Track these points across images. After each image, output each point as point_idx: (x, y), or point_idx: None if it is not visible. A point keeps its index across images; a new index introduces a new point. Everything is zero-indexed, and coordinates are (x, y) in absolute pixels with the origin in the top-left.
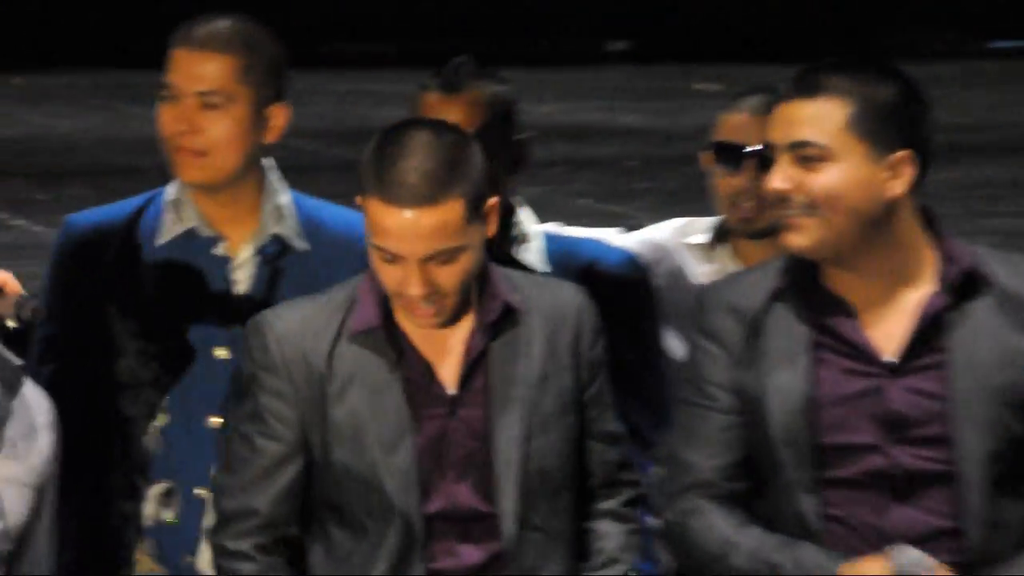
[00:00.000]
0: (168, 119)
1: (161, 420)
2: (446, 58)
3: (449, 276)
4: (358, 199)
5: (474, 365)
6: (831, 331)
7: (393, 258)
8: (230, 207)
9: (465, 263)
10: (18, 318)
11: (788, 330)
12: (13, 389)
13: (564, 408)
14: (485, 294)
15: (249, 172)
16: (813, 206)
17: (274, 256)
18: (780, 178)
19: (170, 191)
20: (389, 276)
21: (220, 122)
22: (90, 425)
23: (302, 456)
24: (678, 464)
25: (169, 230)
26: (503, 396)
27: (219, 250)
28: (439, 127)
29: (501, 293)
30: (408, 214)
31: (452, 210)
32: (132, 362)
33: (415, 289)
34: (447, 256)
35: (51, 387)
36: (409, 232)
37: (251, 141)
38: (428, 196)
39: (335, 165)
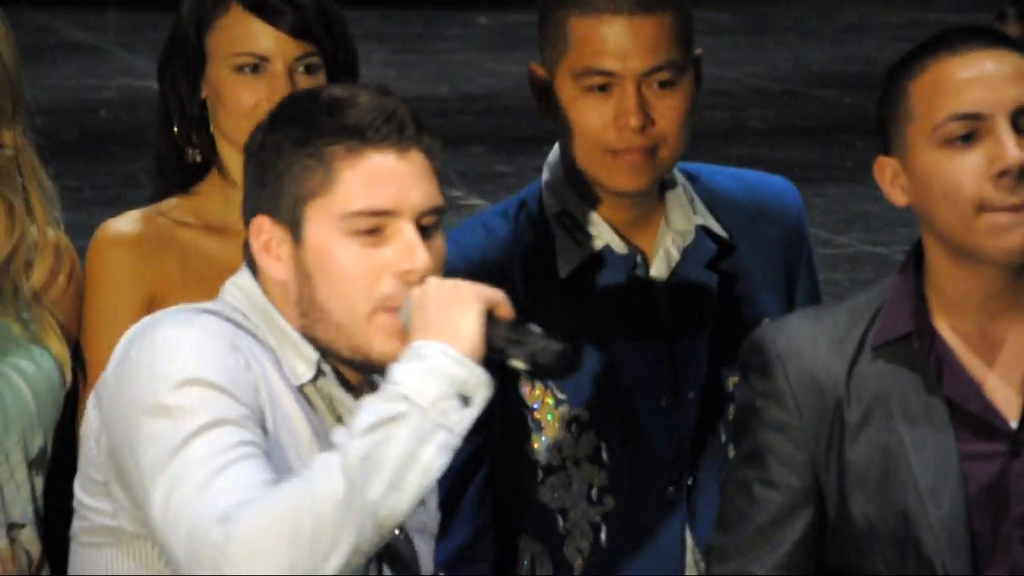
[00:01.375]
0: (601, 113)
1: (607, 505)
2: None
3: None
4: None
5: None
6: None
7: None
8: (637, 207)
9: None
10: (534, 362)
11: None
12: None
13: None
14: None
15: None
16: None
17: (715, 256)
18: None
19: (549, 201)
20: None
21: (672, 103)
22: (504, 519)
23: (812, 508)
24: None
25: (571, 256)
26: None
27: (639, 268)
28: None
29: None
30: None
31: None
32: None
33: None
34: None
35: (460, 471)
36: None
37: (692, 116)
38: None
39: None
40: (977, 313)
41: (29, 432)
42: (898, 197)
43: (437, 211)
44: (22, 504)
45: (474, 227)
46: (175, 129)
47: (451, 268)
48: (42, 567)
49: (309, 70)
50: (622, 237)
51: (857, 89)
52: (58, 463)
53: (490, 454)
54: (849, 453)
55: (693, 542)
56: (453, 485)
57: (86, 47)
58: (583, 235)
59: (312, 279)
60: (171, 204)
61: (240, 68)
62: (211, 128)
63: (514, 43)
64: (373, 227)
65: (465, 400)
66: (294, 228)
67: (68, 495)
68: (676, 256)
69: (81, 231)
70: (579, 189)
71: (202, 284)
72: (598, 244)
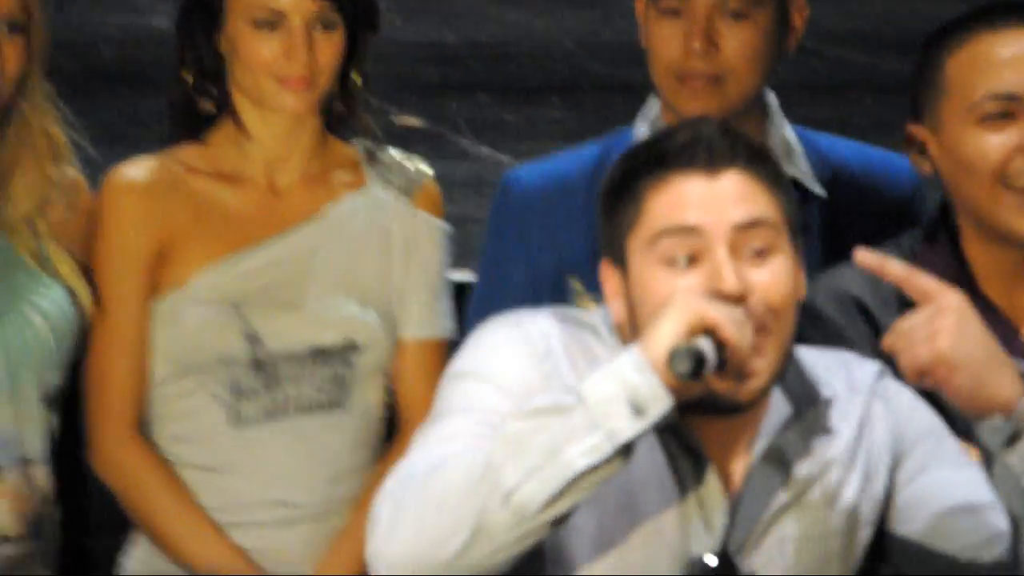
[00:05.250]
0: (674, 37)
1: None
2: None
3: None
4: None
5: None
6: None
7: None
8: None
9: None
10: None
11: None
12: None
13: None
14: None
15: (759, 97)
16: None
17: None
18: None
19: (640, 132)
20: None
21: (743, 34)
22: None
23: None
24: None
25: None
26: None
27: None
28: None
29: None
30: None
31: None
32: None
33: None
34: None
35: None
36: None
37: (773, 54)
38: None
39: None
40: (1004, 287)
41: (45, 369)
42: (925, 166)
43: (762, 225)
44: (36, 441)
45: (568, 153)
46: (189, 80)
47: (526, 180)
48: (54, 504)
49: (326, 26)
50: None
51: (868, 47)
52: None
53: None
54: None
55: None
56: None
57: None
58: None
59: (636, 312)
60: (184, 151)
61: (257, 23)
62: (228, 80)
63: None
64: (686, 253)
65: (638, 410)
66: (621, 265)
67: (78, 430)
68: None
69: (87, 169)
70: (671, 123)
71: (214, 233)
72: None
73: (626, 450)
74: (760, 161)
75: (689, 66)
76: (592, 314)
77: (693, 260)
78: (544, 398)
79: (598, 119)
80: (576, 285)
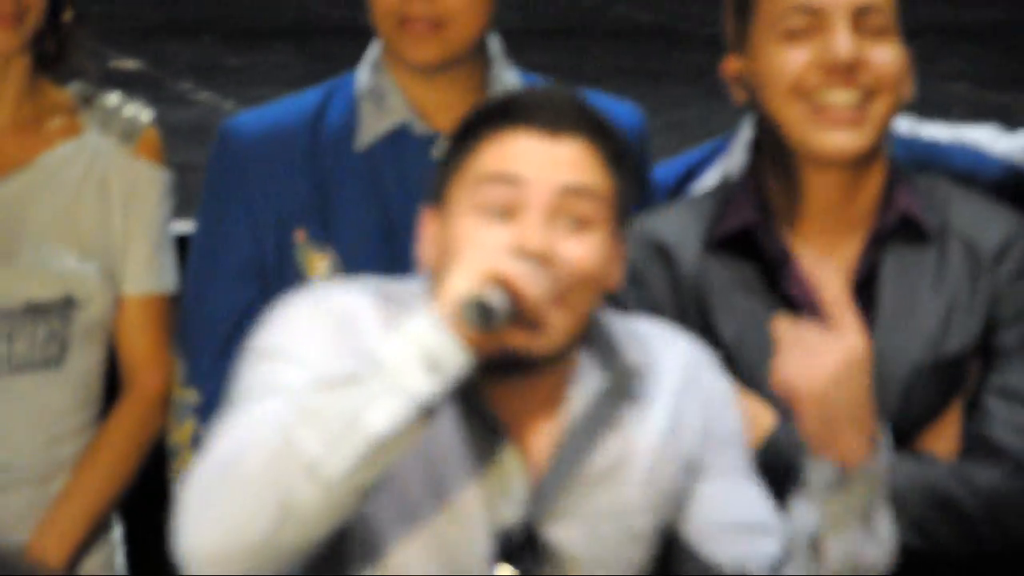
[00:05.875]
0: None
1: None
2: None
3: None
4: None
5: None
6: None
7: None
8: (449, 91)
9: None
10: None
11: None
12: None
13: None
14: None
15: (483, 43)
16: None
17: None
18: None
19: (363, 78)
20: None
21: None
22: None
23: None
24: None
25: (371, 128)
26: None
27: (440, 150)
28: None
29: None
30: None
31: None
32: None
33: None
34: None
35: (229, 339)
36: None
37: (492, 1)
38: None
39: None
40: (812, 219)
41: None
42: (738, 94)
43: (589, 195)
44: None
45: (287, 100)
46: None
47: (244, 129)
48: None
49: None
50: (426, 119)
51: None
52: None
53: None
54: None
55: None
56: (226, 330)
57: None
58: (385, 112)
59: (445, 256)
60: None
61: None
62: None
63: None
64: (503, 203)
65: (434, 368)
66: (442, 207)
67: None
68: None
69: None
70: (394, 68)
71: None
72: (396, 119)
73: (428, 412)
74: (605, 136)
75: (409, 10)
76: (410, 284)
77: (509, 214)
78: (338, 369)
79: (326, 64)
80: (300, 237)
